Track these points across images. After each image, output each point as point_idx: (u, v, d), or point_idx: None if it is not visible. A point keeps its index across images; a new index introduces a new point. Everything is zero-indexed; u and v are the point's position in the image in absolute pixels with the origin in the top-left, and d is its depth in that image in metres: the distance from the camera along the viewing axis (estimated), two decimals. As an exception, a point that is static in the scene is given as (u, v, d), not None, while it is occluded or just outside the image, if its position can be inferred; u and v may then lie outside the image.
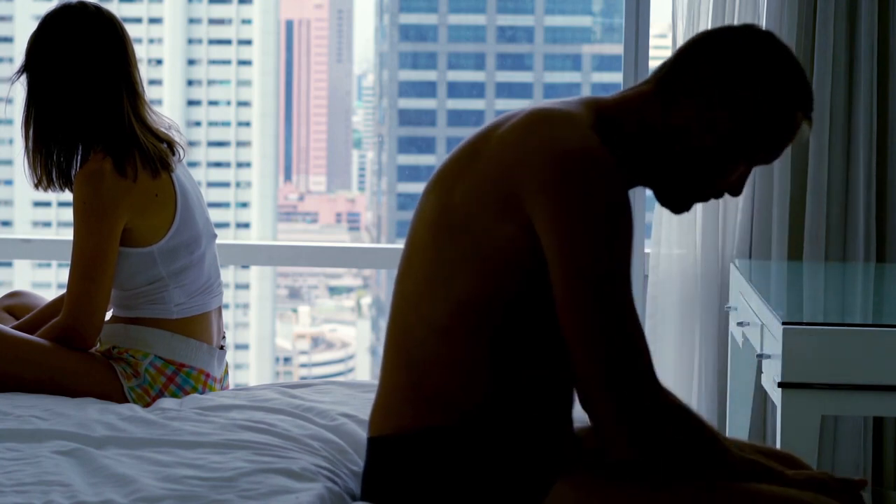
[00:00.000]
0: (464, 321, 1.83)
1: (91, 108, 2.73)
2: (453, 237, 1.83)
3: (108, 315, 2.81)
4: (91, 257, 2.69)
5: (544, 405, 1.89)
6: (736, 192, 1.93)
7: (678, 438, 1.80)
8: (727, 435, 2.74)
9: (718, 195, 1.94)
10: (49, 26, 2.75)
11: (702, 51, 1.88)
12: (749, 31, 1.89)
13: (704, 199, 1.94)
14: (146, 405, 2.68)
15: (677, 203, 1.95)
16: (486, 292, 1.82)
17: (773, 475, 1.88)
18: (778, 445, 2.54)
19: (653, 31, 3.79)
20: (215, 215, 2.96)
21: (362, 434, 2.32)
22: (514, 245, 1.80)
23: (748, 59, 1.86)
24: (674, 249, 3.66)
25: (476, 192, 1.82)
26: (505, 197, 1.79)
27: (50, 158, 2.75)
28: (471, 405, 1.85)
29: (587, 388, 1.77)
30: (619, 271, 1.76)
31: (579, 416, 2.01)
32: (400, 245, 2.76)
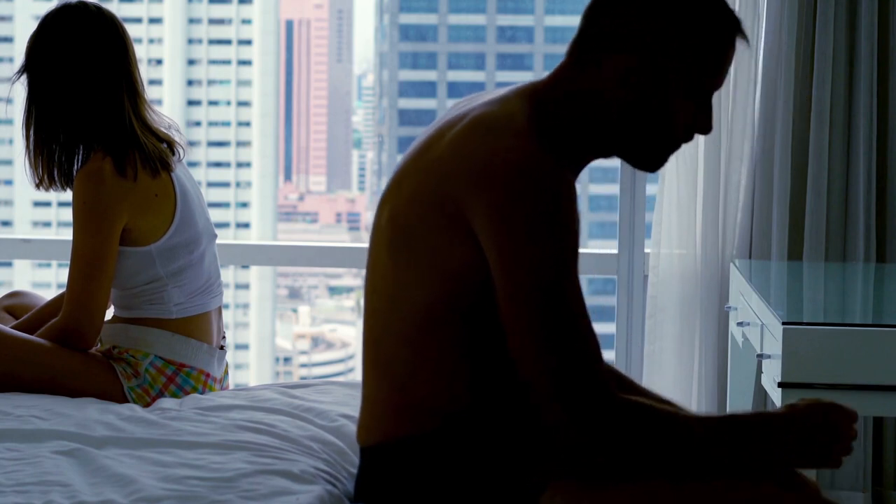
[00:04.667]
0: (429, 331, 1.83)
1: (91, 107, 2.73)
2: (406, 252, 1.83)
3: (109, 315, 2.81)
4: (91, 257, 2.69)
5: (526, 406, 1.89)
6: (704, 129, 1.88)
7: (638, 432, 1.77)
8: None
9: (687, 138, 1.89)
10: (49, 26, 2.75)
11: (602, 7, 1.85)
12: None
13: (673, 146, 1.89)
14: (146, 405, 2.68)
15: (648, 161, 1.90)
16: (445, 303, 1.82)
17: (757, 419, 1.82)
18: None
19: (653, 30, 3.78)
20: (215, 215, 2.96)
21: (362, 434, 2.32)
22: (464, 258, 1.79)
23: None
24: (674, 249, 3.66)
25: (423, 208, 1.81)
26: (450, 212, 1.78)
27: (51, 158, 2.76)
28: (451, 410, 1.85)
29: (537, 399, 1.76)
30: (561, 281, 1.74)
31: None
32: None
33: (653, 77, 1.83)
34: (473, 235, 1.78)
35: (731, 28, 1.86)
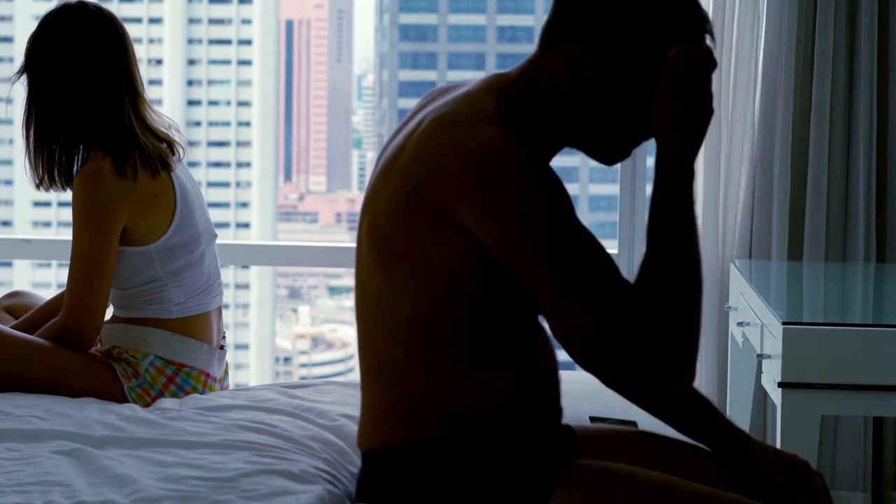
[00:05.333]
0: (422, 333, 1.82)
1: (91, 107, 2.73)
2: (392, 261, 1.82)
3: (108, 315, 2.82)
4: (90, 258, 2.69)
5: (528, 403, 1.88)
6: None
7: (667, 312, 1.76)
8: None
9: (648, 135, 1.86)
10: (49, 26, 2.76)
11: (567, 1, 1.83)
12: None
13: (629, 141, 1.86)
14: (146, 405, 2.68)
15: (605, 154, 1.88)
16: (436, 305, 1.81)
17: (655, 192, 1.87)
18: (778, 445, 2.55)
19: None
20: (215, 215, 2.97)
21: (362, 434, 2.32)
22: (454, 256, 1.78)
23: None
24: (674, 249, 3.66)
25: (402, 216, 1.79)
26: (432, 214, 1.76)
27: (51, 158, 2.76)
28: (451, 413, 1.85)
29: (589, 367, 1.76)
30: (566, 246, 1.73)
31: (573, 415, 2.01)
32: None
33: (600, 68, 1.79)
34: (462, 229, 1.77)
35: (695, 24, 1.79)
